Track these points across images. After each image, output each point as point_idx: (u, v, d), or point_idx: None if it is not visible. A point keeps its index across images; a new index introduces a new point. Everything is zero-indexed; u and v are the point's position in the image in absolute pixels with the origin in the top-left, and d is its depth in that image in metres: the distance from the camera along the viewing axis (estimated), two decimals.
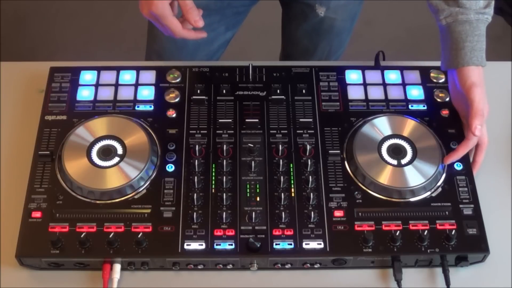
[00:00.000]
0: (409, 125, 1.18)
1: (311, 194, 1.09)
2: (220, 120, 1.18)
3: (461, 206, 1.10)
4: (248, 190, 1.11)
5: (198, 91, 1.22)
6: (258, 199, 1.10)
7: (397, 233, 1.05)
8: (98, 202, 1.09)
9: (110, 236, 1.04)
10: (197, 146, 1.14)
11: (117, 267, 1.05)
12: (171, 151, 1.15)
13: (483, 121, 1.13)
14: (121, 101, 1.21)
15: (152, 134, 1.16)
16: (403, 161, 1.14)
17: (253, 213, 1.07)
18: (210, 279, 1.07)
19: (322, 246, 1.06)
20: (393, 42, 2.51)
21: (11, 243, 1.06)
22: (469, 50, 1.13)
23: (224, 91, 1.22)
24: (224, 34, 1.47)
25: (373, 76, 1.26)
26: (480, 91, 1.12)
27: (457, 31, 1.14)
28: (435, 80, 1.26)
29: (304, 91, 1.23)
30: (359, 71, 1.26)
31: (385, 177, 1.11)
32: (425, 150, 1.15)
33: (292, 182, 1.12)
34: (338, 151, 1.15)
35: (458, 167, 1.14)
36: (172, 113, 1.19)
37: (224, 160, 1.13)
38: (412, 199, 1.11)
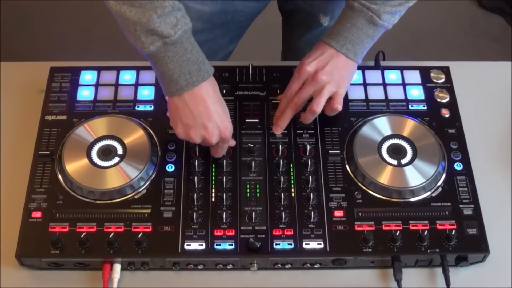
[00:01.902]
0: (409, 125, 1.18)
1: (311, 194, 1.09)
2: None
3: (461, 206, 1.10)
4: (248, 190, 1.11)
5: None
6: (258, 199, 1.10)
7: (397, 233, 1.05)
8: (98, 202, 1.09)
9: (110, 236, 1.04)
10: (197, 146, 1.14)
11: (117, 267, 1.05)
12: (171, 151, 1.15)
13: (300, 81, 1.14)
14: (121, 101, 1.21)
15: (152, 134, 1.16)
16: (403, 161, 1.14)
17: (253, 213, 1.07)
18: (210, 279, 1.07)
19: (322, 246, 1.05)
20: (393, 42, 2.50)
21: (11, 243, 1.06)
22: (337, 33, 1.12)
23: (224, 91, 1.22)
24: (227, 47, 1.46)
25: (373, 76, 1.26)
26: (313, 57, 1.13)
27: (343, 11, 1.13)
28: (435, 80, 1.26)
29: None
30: (359, 71, 1.26)
31: (385, 177, 1.11)
32: (425, 150, 1.14)
33: (292, 182, 1.12)
34: (338, 151, 1.15)
35: (458, 167, 1.14)
36: None
37: (224, 160, 1.13)
38: (412, 199, 1.11)
